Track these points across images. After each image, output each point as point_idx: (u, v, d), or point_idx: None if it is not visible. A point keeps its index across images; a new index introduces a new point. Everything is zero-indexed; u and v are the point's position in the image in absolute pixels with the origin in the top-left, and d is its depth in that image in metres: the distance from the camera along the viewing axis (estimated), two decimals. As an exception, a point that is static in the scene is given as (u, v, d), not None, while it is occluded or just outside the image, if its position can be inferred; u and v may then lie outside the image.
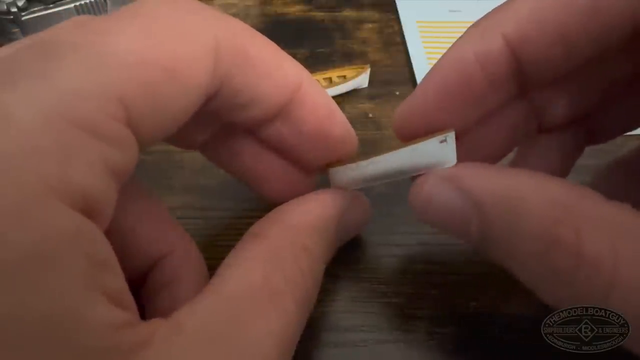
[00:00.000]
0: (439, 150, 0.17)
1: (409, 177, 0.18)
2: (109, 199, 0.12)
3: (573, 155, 0.21)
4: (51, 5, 0.33)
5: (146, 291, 0.17)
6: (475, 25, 0.17)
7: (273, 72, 0.16)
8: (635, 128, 0.20)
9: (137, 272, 0.17)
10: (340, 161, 0.19)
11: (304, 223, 0.17)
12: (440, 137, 0.17)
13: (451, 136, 0.17)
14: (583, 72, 0.18)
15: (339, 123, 0.19)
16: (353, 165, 0.19)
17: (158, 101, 0.13)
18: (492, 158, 0.20)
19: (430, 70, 0.17)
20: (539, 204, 0.14)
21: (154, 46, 0.13)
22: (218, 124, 0.18)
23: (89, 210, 0.11)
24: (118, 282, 0.12)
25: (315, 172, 0.20)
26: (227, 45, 0.15)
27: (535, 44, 0.16)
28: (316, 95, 0.18)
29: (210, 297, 0.14)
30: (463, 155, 0.17)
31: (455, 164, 0.17)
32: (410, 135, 0.18)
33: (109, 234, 0.17)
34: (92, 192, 0.11)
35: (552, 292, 0.15)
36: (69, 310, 0.10)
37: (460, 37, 0.17)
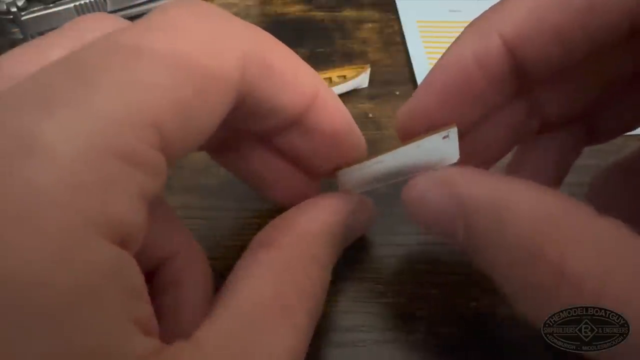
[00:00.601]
0: (442, 146, 0.17)
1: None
2: (143, 226, 0.12)
3: (572, 155, 0.21)
4: (51, 5, 0.33)
5: (152, 291, 0.17)
6: (472, 24, 0.17)
7: (292, 82, 0.16)
8: (635, 128, 0.20)
9: (143, 272, 0.17)
10: (347, 164, 0.19)
11: (312, 231, 0.17)
12: (443, 133, 0.17)
13: (453, 131, 0.17)
14: (582, 70, 0.18)
15: (353, 131, 0.19)
16: (359, 165, 0.19)
17: (188, 121, 0.13)
18: (492, 158, 0.21)
19: (430, 71, 0.18)
20: (526, 215, 0.14)
21: (184, 65, 0.13)
22: (232, 129, 0.18)
23: (124, 241, 0.12)
24: (147, 309, 0.12)
25: (322, 176, 0.20)
26: (253, 57, 0.14)
27: (532, 43, 0.16)
28: (332, 104, 0.18)
29: (225, 313, 0.14)
30: (463, 155, 0.17)
31: (449, 166, 0.17)
32: (412, 136, 0.18)
33: None
34: (128, 223, 0.11)
35: (531, 307, 0.14)
36: (111, 345, 0.11)
37: (458, 38, 0.17)
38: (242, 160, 0.20)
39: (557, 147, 0.21)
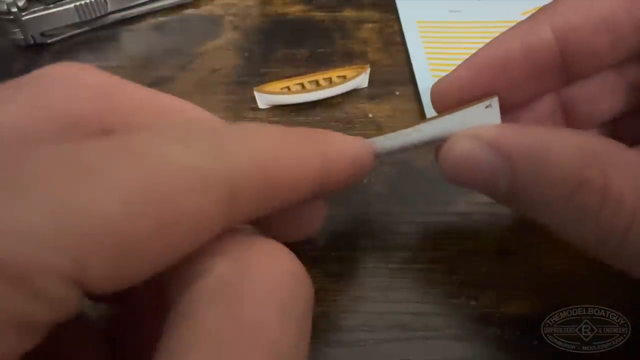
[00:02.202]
0: (485, 115, 0.18)
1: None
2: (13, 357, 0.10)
3: None
4: (51, 5, 0.33)
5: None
6: (527, 18, 0.18)
7: (296, 181, 0.14)
8: None
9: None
10: None
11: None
12: (486, 102, 0.18)
13: (495, 101, 0.18)
14: (616, 71, 0.19)
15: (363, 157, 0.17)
16: (394, 134, 0.19)
17: (129, 259, 0.10)
18: None
19: (474, 52, 0.19)
20: (566, 152, 0.15)
21: (148, 199, 0.10)
22: None
23: None
24: None
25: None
26: (247, 182, 0.12)
27: (582, 34, 0.17)
28: (341, 155, 0.16)
29: None
30: None
31: (484, 126, 0.18)
32: (444, 108, 0.19)
33: None
34: None
35: (578, 230, 0.16)
36: None
37: (510, 28, 0.18)
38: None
39: None
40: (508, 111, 0.19)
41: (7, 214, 0.09)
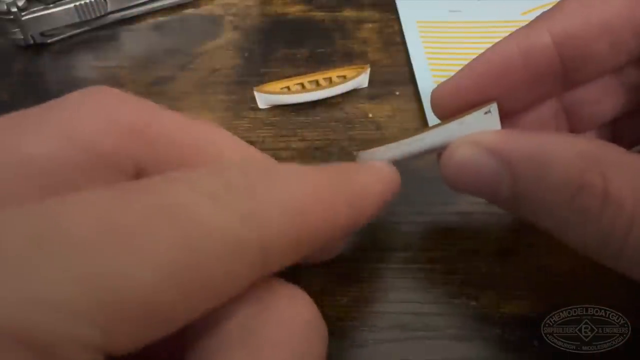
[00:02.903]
0: (484, 121, 0.18)
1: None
2: None
3: None
4: (51, 5, 0.33)
5: None
6: (525, 25, 0.18)
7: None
8: None
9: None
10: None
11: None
12: (485, 108, 0.18)
13: (494, 107, 0.18)
14: (617, 73, 0.19)
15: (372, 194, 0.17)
16: (394, 144, 0.19)
17: (155, 329, 0.10)
18: None
19: (474, 58, 0.19)
20: (566, 157, 0.15)
21: (179, 267, 0.10)
22: None
23: None
24: None
25: None
26: (278, 245, 0.12)
27: (581, 40, 0.17)
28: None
29: None
30: None
31: (484, 132, 0.18)
32: (444, 114, 0.19)
33: None
34: None
35: (579, 234, 0.16)
36: None
37: (509, 34, 0.18)
38: None
39: None
40: (509, 116, 0.19)
41: (40, 277, 0.09)
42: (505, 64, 0.18)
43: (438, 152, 0.19)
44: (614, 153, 0.16)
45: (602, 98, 0.20)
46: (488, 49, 0.18)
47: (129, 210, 0.11)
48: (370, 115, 0.30)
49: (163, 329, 0.11)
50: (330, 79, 0.31)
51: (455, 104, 0.19)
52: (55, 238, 0.10)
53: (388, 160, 0.19)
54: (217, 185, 0.12)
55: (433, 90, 0.19)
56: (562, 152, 0.16)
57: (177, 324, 0.11)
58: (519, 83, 0.18)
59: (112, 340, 0.10)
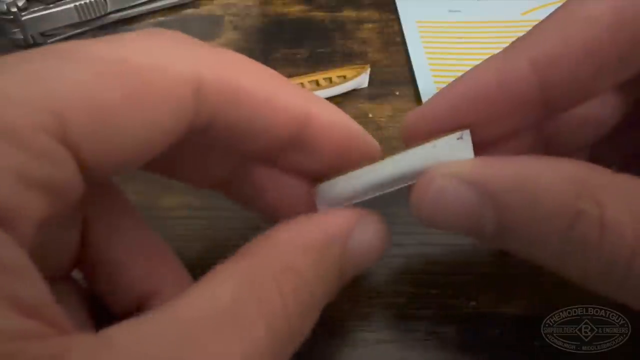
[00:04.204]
0: (457, 148, 0.16)
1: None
2: (25, 208, 0.11)
3: None
4: (51, 5, 0.33)
5: None
6: (502, 51, 0.17)
7: (270, 103, 0.16)
8: (632, 163, 0.20)
9: (127, 307, 0.16)
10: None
11: (293, 241, 0.15)
12: (457, 134, 0.16)
13: (467, 133, 0.16)
14: (597, 103, 0.18)
15: (360, 138, 0.18)
16: (357, 172, 0.17)
17: (110, 126, 0.12)
18: None
19: (450, 83, 0.17)
20: (557, 183, 0.14)
21: (115, 71, 0.13)
22: (232, 160, 0.18)
23: None
24: (30, 290, 0.11)
25: None
26: (213, 81, 0.14)
27: (562, 64, 0.15)
28: (330, 119, 0.17)
29: (162, 315, 0.12)
30: None
31: (463, 161, 0.16)
32: (415, 140, 0.17)
33: (97, 266, 0.16)
34: None
35: (579, 265, 0.14)
36: None
37: (486, 59, 0.17)
38: (255, 192, 0.19)
39: None
40: (485, 147, 0.18)
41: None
42: (482, 91, 0.16)
43: (407, 183, 0.17)
44: (604, 176, 0.14)
45: (582, 124, 0.19)
46: (464, 74, 0.17)
47: (64, 44, 0.13)
48: (370, 115, 0.30)
49: (120, 137, 0.13)
50: (330, 79, 0.31)
51: (427, 131, 0.17)
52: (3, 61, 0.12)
53: (351, 193, 0.17)
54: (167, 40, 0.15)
55: (405, 118, 0.18)
56: (552, 178, 0.14)
57: (134, 138, 0.13)
58: (496, 111, 0.16)
59: (68, 128, 0.12)
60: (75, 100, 0.12)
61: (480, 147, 0.17)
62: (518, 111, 0.16)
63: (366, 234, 0.17)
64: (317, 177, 0.18)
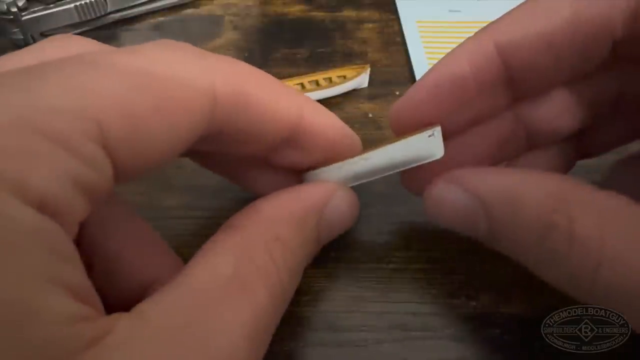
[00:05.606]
0: (428, 144, 0.18)
1: (396, 172, 0.19)
2: (73, 208, 0.12)
3: (563, 170, 0.22)
4: (51, 5, 0.33)
5: None
6: (473, 35, 0.18)
7: (272, 109, 0.17)
8: (623, 144, 0.21)
9: (126, 299, 0.17)
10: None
11: (277, 214, 0.17)
12: (429, 131, 0.18)
13: (438, 130, 0.18)
14: (571, 89, 0.19)
15: (346, 136, 0.19)
16: (340, 163, 0.19)
17: (141, 133, 0.13)
18: (479, 166, 0.21)
19: (426, 72, 0.19)
20: (536, 197, 0.16)
21: (144, 83, 0.13)
22: (231, 156, 0.19)
23: (51, 213, 0.12)
24: (79, 276, 0.12)
25: None
26: (226, 91, 0.15)
27: (523, 52, 0.17)
28: (320, 120, 0.18)
29: (178, 288, 0.14)
30: (453, 156, 0.19)
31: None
32: (404, 130, 0.19)
33: (95, 258, 0.17)
34: (52, 196, 0.11)
35: (551, 273, 0.16)
36: (21, 299, 0.10)
37: (458, 45, 0.18)
38: (241, 174, 0.20)
39: (546, 164, 0.21)
40: (464, 129, 0.20)
41: (34, 93, 0.12)
42: (455, 76, 0.18)
43: (382, 174, 0.19)
44: (580, 192, 0.16)
45: (560, 113, 0.20)
46: (439, 60, 0.18)
47: (96, 53, 0.14)
48: (370, 115, 0.30)
49: (150, 140, 0.13)
50: (330, 79, 0.31)
51: (411, 119, 0.19)
52: (42, 69, 0.13)
53: (344, 179, 0.19)
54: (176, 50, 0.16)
55: (390, 110, 0.19)
56: (533, 192, 0.16)
57: (163, 141, 0.14)
58: (470, 95, 0.18)
59: (108, 134, 0.12)
60: (112, 110, 0.13)
61: (461, 130, 0.19)
62: (488, 93, 0.18)
63: (339, 204, 0.19)
64: (305, 169, 0.20)
